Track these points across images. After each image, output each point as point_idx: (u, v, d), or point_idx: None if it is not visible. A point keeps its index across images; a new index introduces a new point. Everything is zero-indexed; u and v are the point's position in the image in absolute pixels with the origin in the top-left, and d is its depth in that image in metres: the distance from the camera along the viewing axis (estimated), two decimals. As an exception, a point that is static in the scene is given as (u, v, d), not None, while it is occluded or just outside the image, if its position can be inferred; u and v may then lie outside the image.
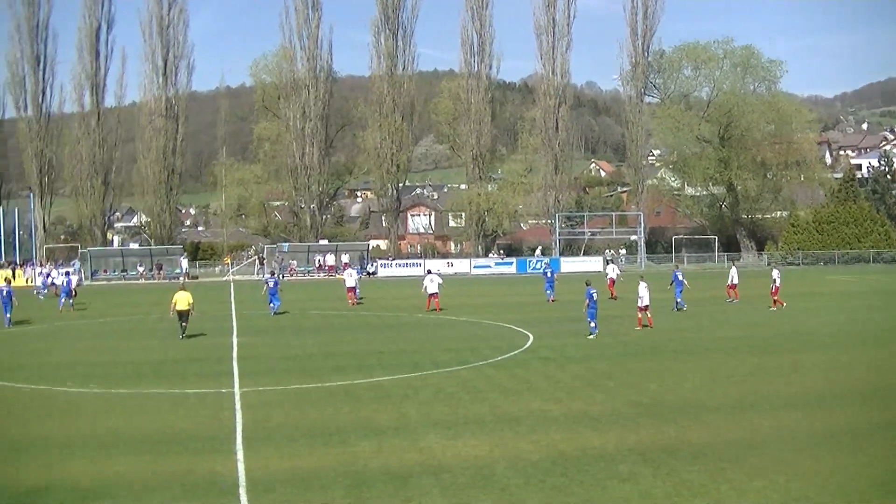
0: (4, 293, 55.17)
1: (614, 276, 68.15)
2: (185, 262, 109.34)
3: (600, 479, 19.69)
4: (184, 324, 46.42)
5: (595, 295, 44.11)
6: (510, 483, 19.44)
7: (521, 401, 28.27)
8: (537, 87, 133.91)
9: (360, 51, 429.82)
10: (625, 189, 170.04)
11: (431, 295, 58.78)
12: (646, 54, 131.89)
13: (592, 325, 43.52)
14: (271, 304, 58.30)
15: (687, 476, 19.83)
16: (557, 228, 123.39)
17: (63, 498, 19.20)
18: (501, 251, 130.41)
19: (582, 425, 24.93)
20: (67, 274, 72.51)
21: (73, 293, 67.27)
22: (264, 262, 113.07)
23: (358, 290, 67.09)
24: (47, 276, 77.90)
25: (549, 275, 67.41)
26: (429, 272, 64.08)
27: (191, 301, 46.90)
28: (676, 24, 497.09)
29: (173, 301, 46.87)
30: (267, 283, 60.62)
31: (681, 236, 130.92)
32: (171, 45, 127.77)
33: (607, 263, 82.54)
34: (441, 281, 60.36)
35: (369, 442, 23.25)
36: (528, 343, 42.27)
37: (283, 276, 69.95)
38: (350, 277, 67.35)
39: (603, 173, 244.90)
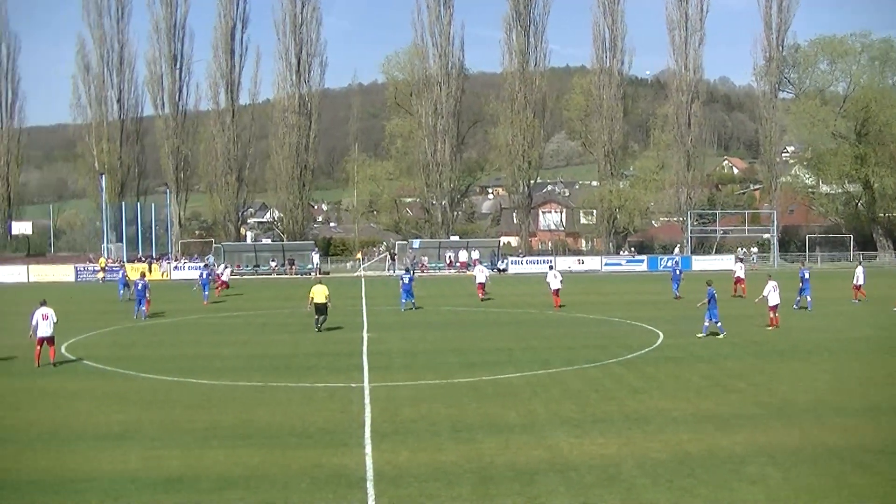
0: (140, 286, 56.53)
1: (742, 275, 67.28)
2: (316, 258, 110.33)
3: (728, 481, 19.54)
4: (320, 317, 47.30)
5: (715, 294, 43.50)
6: (637, 483, 19.39)
7: (649, 400, 28.14)
8: (669, 82, 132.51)
9: (491, 47, 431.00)
10: (757, 186, 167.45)
11: (554, 291, 59.47)
12: (780, 48, 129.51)
13: (718, 324, 42.89)
14: (403, 300, 58.80)
15: (813, 480, 19.59)
16: (689, 226, 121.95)
17: (204, 486, 19.76)
18: (632, 248, 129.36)
19: (710, 426, 24.72)
20: (206, 267, 74.36)
21: (224, 285, 69.31)
22: (395, 258, 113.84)
23: (487, 287, 67.35)
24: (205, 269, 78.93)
25: (677, 272, 66.99)
26: (550, 268, 64.52)
27: (327, 294, 47.70)
28: (811, 18, 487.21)
29: (310, 294, 47.86)
30: (402, 278, 61.08)
31: (815, 235, 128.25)
32: (304, 43, 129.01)
33: (737, 262, 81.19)
34: (561, 278, 60.40)
35: (496, 439, 23.34)
36: (657, 341, 42.00)
37: (415, 273, 70.12)
38: (480, 273, 67.81)
39: (735, 170, 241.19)
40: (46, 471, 21.29)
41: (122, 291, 68.92)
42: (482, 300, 64.87)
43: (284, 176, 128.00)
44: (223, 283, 71.80)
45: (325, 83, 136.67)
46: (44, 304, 37.26)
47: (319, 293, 47.43)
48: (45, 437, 24.46)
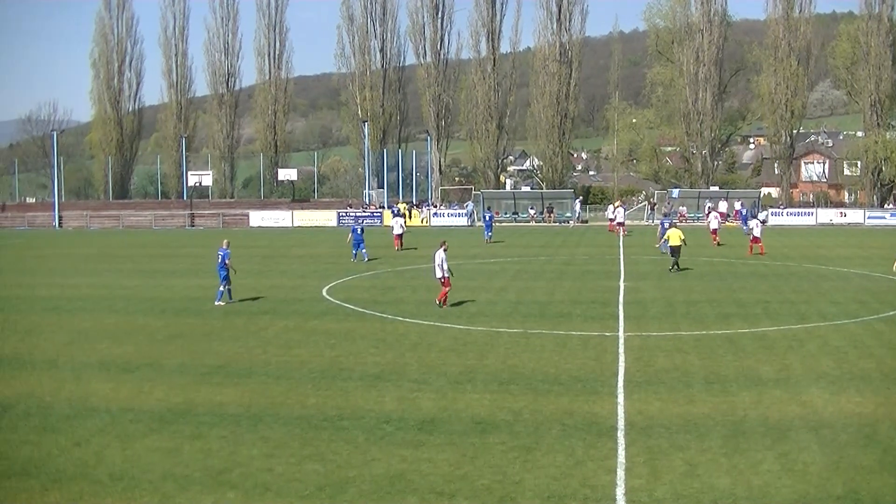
0: (360, 231, 59.95)
1: None
2: (578, 206, 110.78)
3: None
4: (674, 259, 51.45)
5: None
6: (894, 444, 18.87)
7: (911, 359, 27.31)
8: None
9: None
10: None
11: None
12: None
13: None
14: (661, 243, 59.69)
15: None
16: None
17: (457, 428, 20.26)
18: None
19: (980, 387, 23.86)
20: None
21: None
22: (655, 207, 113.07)
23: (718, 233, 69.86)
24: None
25: None
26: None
27: (682, 237, 51.53)
28: None
29: (666, 237, 53.34)
30: (662, 224, 63.08)
31: None
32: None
33: None
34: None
35: (749, 392, 23.12)
36: (924, 299, 40.55)
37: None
38: (714, 220, 71.04)
39: None
40: (315, 406, 22.29)
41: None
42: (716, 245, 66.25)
43: (544, 124, 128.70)
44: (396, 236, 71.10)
45: (585, 31, 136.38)
46: (443, 246, 39.44)
47: (675, 236, 51.39)
48: (315, 377, 25.53)
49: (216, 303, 39.41)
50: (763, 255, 61.27)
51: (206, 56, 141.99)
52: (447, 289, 38.08)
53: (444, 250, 38.70)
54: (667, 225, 59.56)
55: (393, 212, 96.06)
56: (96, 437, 19.93)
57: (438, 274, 38.11)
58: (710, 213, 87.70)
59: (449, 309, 37.58)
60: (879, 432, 19.69)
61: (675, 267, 51.22)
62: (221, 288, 39.73)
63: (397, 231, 69.09)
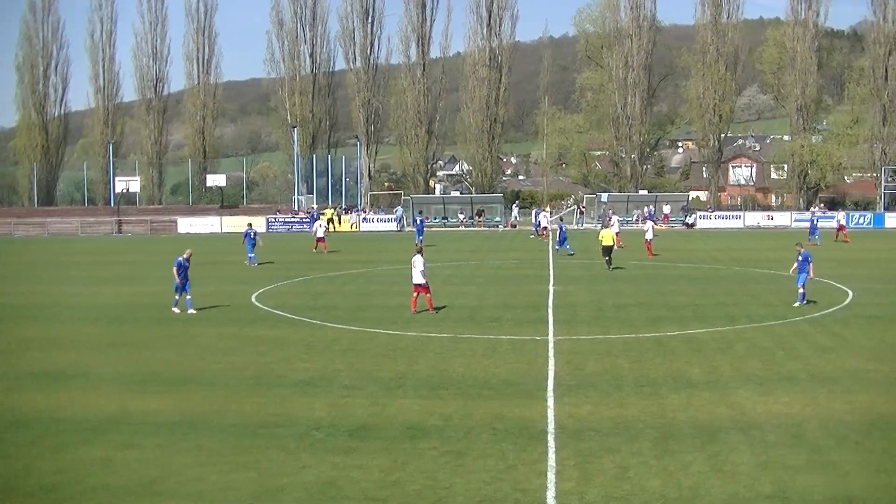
0: (253, 235, 60.56)
1: None
2: (516, 211, 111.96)
3: (925, 445, 19.18)
4: (607, 259, 54.04)
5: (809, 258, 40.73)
6: (821, 444, 19.18)
7: (837, 359, 27.71)
8: (867, 34, 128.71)
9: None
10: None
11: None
12: None
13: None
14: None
15: None
16: (884, 182, 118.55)
17: (390, 434, 20.33)
18: (822, 204, 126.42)
19: (905, 388, 24.31)
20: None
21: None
22: (584, 211, 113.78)
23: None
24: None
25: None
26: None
27: (613, 237, 55.16)
28: None
29: (600, 237, 55.20)
30: (561, 227, 68.75)
31: None
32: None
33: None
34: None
35: (679, 394, 23.39)
36: (847, 300, 41.09)
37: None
38: (650, 231, 68.74)
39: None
40: (249, 414, 22.26)
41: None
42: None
43: (474, 129, 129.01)
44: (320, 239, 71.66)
45: (515, 36, 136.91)
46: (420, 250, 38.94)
47: (608, 236, 54.66)
48: (249, 384, 25.50)
49: (184, 311, 38.78)
50: (651, 257, 63.04)
51: (134, 61, 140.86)
52: (426, 294, 37.85)
53: (421, 253, 38.31)
54: (565, 228, 64.45)
55: (312, 215, 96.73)
56: (26, 448, 19.73)
57: (420, 280, 37.52)
58: (646, 219, 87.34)
59: (382, 314, 37.63)
60: (807, 432, 20.02)
61: (609, 264, 53.60)
62: (177, 296, 39.01)
63: (320, 234, 70.88)
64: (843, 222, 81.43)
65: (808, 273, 39.20)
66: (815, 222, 78.08)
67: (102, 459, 18.78)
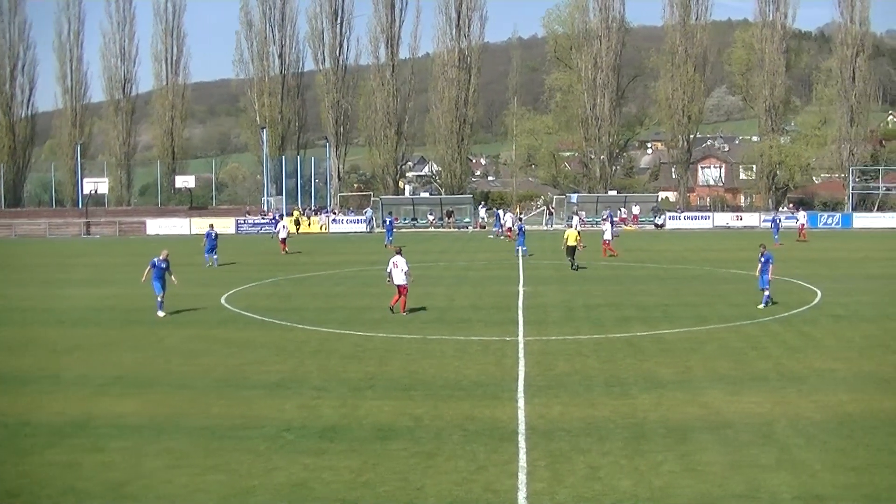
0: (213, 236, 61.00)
1: None
2: (483, 212, 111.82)
3: (888, 444, 19.22)
4: (570, 258, 54.84)
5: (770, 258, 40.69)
6: (791, 443, 19.23)
7: (806, 359, 27.80)
8: (834, 36, 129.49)
9: (652, 1, 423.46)
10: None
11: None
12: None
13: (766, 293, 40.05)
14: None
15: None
16: (851, 182, 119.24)
17: (359, 435, 20.24)
18: (791, 204, 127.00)
19: (871, 387, 24.38)
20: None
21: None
22: (553, 212, 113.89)
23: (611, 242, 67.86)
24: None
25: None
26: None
27: (577, 237, 55.32)
28: None
29: (565, 237, 56.08)
30: (520, 228, 69.14)
31: None
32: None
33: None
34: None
35: (650, 394, 23.39)
36: (815, 300, 41.29)
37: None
38: (608, 231, 68.97)
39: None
40: (217, 416, 22.11)
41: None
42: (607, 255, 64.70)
43: (443, 130, 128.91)
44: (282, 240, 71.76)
45: (484, 37, 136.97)
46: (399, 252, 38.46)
47: (572, 236, 55.25)
48: (217, 385, 25.36)
49: (158, 313, 38.49)
50: (615, 255, 64.33)
51: (102, 61, 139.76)
52: (403, 296, 37.67)
53: (400, 253, 38.13)
54: (524, 229, 66.14)
55: (275, 217, 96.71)
56: (-9, 452, 19.54)
57: (401, 280, 37.33)
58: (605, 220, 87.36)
59: (351, 316, 37.52)
60: (777, 431, 20.06)
61: (572, 263, 54.29)
62: (159, 298, 38.57)
63: (283, 235, 71.06)
64: (803, 222, 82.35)
65: (769, 274, 39.23)
66: (779, 222, 79.18)
67: (68, 463, 18.60)
